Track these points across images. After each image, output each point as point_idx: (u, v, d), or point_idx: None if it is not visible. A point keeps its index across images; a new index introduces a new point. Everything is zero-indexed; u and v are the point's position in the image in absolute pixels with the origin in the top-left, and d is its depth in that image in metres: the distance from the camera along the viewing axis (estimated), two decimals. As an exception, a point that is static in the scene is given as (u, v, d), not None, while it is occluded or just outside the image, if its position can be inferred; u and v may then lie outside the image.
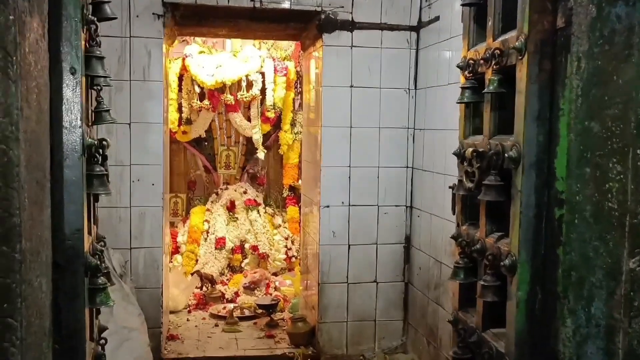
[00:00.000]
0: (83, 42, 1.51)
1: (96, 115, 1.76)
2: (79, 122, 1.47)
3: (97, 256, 1.64)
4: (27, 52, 1.18)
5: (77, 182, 1.48)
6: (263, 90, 6.49)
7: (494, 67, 1.80)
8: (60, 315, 1.44)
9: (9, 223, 1.11)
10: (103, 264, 1.65)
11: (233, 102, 6.52)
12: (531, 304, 1.63)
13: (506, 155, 1.69)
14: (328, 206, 4.37)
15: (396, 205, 4.44)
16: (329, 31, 4.29)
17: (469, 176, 1.93)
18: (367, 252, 4.44)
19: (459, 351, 2.00)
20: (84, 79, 1.52)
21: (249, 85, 6.47)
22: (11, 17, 1.09)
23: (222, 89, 6.44)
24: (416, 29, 4.34)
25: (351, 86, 4.33)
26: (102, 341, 1.82)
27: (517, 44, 1.64)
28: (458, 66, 2.10)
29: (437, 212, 3.96)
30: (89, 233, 1.65)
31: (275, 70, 6.46)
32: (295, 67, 6.60)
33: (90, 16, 1.58)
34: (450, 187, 2.16)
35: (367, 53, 4.32)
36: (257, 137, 6.66)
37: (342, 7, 4.26)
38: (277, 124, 6.80)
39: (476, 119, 2.07)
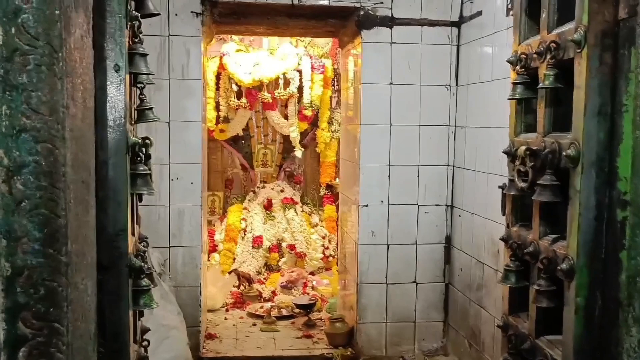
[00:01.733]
0: (127, 39, 1.48)
1: (139, 113, 1.73)
2: (123, 120, 1.44)
3: (140, 257, 1.61)
4: (73, 48, 1.15)
5: (121, 181, 1.45)
6: (300, 88, 6.47)
7: (549, 61, 1.71)
8: (105, 317, 1.41)
9: (55, 225, 1.09)
10: (146, 265, 1.62)
11: (270, 100, 6.51)
12: (590, 310, 1.55)
13: (563, 153, 1.61)
14: (367, 205, 4.30)
15: (436, 205, 4.35)
16: (368, 27, 4.22)
17: (521, 175, 1.85)
18: (407, 252, 4.36)
19: (510, 358, 1.93)
20: (127, 76, 1.49)
21: (286, 83, 6.45)
22: (57, 12, 1.06)
23: (259, 87, 6.44)
24: (457, 24, 4.24)
25: (390, 83, 4.25)
26: (145, 343, 1.79)
27: (575, 36, 1.56)
28: (508, 61, 2.02)
29: (479, 211, 3.87)
30: (132, 233, 1.63)
31: (313, 68, 6.43)
32: (333, 65, 6.55)
33: (133, 12, 1.55)
34: (500, 187, 2.08)
35: (407, 49, 4.24)
36: (295, 135, 6.63)
37: (382, 2, 4.19)
38: (314, 122, 6.77)
39: (528, 116, 1.99)
